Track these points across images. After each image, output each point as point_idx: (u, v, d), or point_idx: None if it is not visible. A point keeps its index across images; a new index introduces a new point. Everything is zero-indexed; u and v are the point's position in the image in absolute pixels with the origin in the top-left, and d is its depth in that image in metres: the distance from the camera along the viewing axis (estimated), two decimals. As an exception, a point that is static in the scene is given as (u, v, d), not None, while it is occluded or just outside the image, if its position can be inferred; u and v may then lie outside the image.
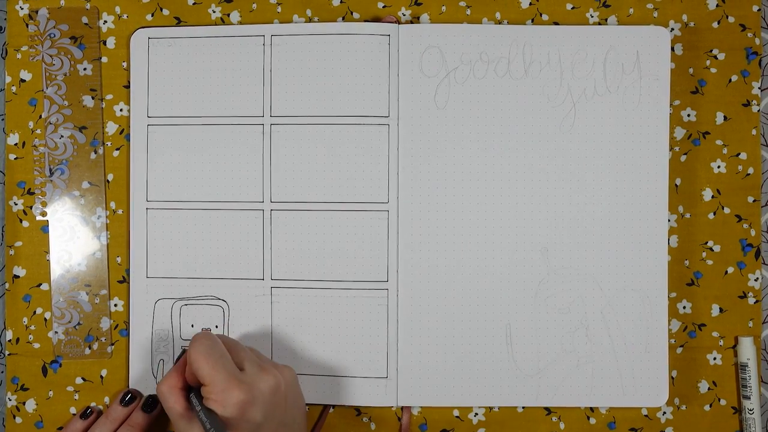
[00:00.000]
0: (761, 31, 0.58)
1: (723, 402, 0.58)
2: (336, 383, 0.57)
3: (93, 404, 0.58)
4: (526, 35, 0.57)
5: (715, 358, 0.58)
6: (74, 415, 0.57)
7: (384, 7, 0.58)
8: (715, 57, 0.58)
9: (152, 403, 0.56)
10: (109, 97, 0.58)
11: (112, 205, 0.58)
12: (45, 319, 0.58)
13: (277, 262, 0.57)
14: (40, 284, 0.58)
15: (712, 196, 0.58)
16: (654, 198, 0.57)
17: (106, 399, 0.58)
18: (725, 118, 0.58)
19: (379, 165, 0.57)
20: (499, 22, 0.58)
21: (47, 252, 0.58)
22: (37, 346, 0.58)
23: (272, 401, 0.49)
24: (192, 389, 0.50)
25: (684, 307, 0.58)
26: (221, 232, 0.57)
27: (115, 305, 0.58)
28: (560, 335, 0.57)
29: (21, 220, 0.58)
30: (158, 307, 0.57)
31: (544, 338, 0.57)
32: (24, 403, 0.58)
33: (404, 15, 0.58)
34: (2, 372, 0.58)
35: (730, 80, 0.58)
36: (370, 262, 0.57)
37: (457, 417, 0.58)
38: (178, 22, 0.58)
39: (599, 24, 0.58)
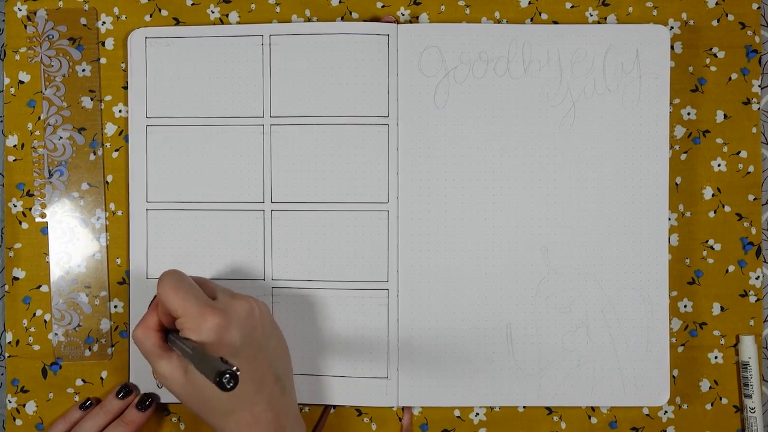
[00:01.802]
0: (761, 29, 0.58)
1: (724, 401, 0.58)
2: (336, 383, 0.57)
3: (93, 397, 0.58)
4: (526, 34, 0.57)
5: (716, 357, 0.58)
6: (74, 403, 0.57)
7: (383, 6, 0.58)
8: (715, 55, 0.58)
9: (147, 402, 0.56)
10: (108, 98, 0.58)
11: (112, 206, 0.58)
12: (45, 321, 0.58)
13: (277, 263, 0.57)
14: (40, 286, 0.58)
15: (713, 195, 0.58)
16: (654, 196, 0.56)
17: (107, 401, 0.58)
18: (725, 116, 0.58)
19: (379, 165, 0.57)
20: (498, 22, 0.58)
21: (47, 254, 0.58)
22: (37, 348, 0.58)
23: (248, 324, 0.48)
24: (168, 331, 0.50)
25: (685, 306, 0.58)
26: (221, 232, 0.57)
27: (115, 307, 0.58)
28: (561, 334, 0.57)
29: (20, 222, 0.58)
30: (158, 308, 0.57)
31: (545, 338, 0.57)
32: (24, 405, 0.58)
33: (403, 15, 0.58)
34: (2, 374, 0.58)
35: (730, 78, 0.58)
36: (370, 262, 0.57)
37: (458, 417, 0.58)
38: (177, 23, 0.58)
39: (598, 23, 0.58)
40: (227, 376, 0.40)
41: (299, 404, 0.56)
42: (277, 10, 0.58)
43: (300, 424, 0.51)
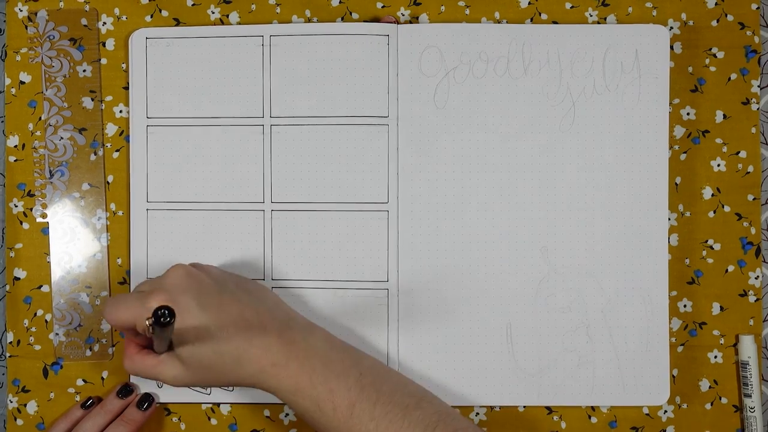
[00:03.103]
0: (760, 30, 0.58)
1: (724, 400, 0.58)
2: (337, 383, 0.57)
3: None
4: (525, 34, 0.57)
5: (716, 357, 0.58)
6: (75, 403, 0.57)
7: (383, 7, 0.58)
8: (715, 55, 0.58)
9: (148, 401, 0.56)
10: (108, 98, 0.58)
11: (112, 206, 0.58)
12: (46, 321, 0.58)
13: (277, 263, 0.57)
14: (41, 286, 0.58)
15: (712, 195, 0.58)
16: (654, 196, 0.57)
17: (107, 400, 0.58)
18: (725, 116, 0.58)
19: (379, 165, 0.57)
20: (498, 22, 0.58)
21: (48, 254, 0.58)
22: (37, 348, 0.58)
23: (192, 282, 0.50)
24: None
25: (684, 306, 0.58)
26: (222, 232, 0.57)
27: (116, 306, 0.58)
28: (561, 334, 0.57)
29: (21, 222, 0.58)
30: (159, 308, 0.57)
31: (545, 337, 0.57)
32: (25, 405, 0.58)
33: (403, 15, 0.58)
34: (3, 374, 0.58)
35: (729, 78, 0.58)
36: (370, 262, 0.57)
37: (458, 417, 0.58)
38: (177, 24, 0.58)
39: (598, 23, 0.58)
40: (160, 312, 0.43)
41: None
42: (278, 10, 0.58)
43: (311, 328, 0.52)
